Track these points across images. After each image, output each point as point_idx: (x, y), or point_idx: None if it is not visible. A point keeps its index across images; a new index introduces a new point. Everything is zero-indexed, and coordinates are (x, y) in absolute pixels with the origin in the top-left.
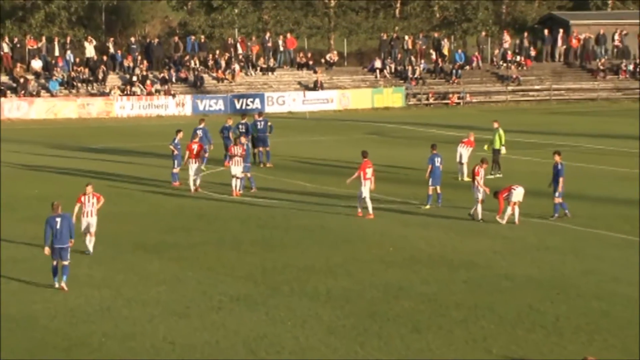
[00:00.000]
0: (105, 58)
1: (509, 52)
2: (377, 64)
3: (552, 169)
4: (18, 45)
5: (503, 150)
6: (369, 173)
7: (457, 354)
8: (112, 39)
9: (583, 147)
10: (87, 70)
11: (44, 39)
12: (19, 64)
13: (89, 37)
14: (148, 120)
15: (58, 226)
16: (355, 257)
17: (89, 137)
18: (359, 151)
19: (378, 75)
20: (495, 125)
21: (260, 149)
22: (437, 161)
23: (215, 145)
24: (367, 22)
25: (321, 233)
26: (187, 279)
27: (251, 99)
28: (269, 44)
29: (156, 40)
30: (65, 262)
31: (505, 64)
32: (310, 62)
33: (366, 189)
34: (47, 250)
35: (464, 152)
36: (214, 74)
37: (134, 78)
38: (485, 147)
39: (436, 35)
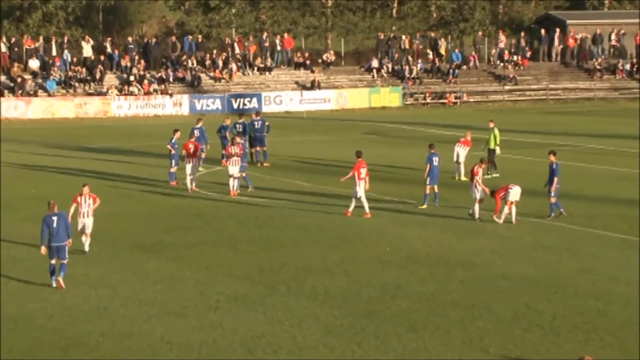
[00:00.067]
0: (102, 58)
1: (506, 52)
2: (374, 63)
3: (548, 169)
4: (16, 49)
5: (497, 151)
6: (363, 173)
7: (454, 354)
8: (109, 38)
9: (580, 147)
10: (84, 69)
11: (41, 38)
12: (16, 64)
13: (87, 37)
14: (145, 119)
15: (55, 225)
16: (352, 257)
17: (86, 136)
18: (356, 151)
19: (375, 75)
20: (491, 125)
21: (258, 148)
22: (435, 160)
23: (212, 144)
24: (364, 22)
25: (319, 232)
26: (185, 278)
27: (248, 99)
28: (267, 44)
29: (153, 40)
30: (64, 261)
31: (502, 64)
32: (308, 62)
33: (361, 189)
34: (43, 249)
35: (461, 151)
36: (212, 74)
37: (132, 78)
38: (482, 147)
39: (433, 35)
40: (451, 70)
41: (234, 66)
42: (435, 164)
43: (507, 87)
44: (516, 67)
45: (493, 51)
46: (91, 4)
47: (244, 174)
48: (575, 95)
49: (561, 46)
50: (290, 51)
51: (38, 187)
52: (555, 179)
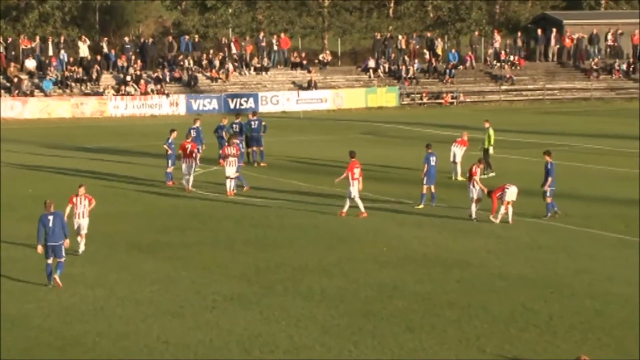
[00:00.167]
0: (99, 58)
1: (503, 52)
2: (371, 63)
3: (544, 169)
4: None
5: (491, 150)
6: (356, 173)
7: (451, 353)
8: (106, 38)
9: (577, 147)
10: (81, 69)
11: (37, 38)
12: (12, 64)
13: (83, 37)
14: (142, 119)
15: (50, 224)
16: (349, 257)
17: (83, 136)
18: (349, 151)
19: (372, 75)
20: (486, 125)
21: (254, 148)
22: (433, 160)
23: (209, 144)
24: (361, 22)
25: (315, 232)
26: (181, 278)
27: (245, 99)
28: (263, 44)
29: (150, 39)
30: (61, 259)
31: (498, 64)
32: (304, 62)
33: (354, 189)
34: (39, 248)
35: (458, 151)
36: (208, 74)
37: (128, 78)
38: (479, 147)
39: (430, 35)
40: (448, 70)
41: (230, 66)
42: (433, 163)
43: (503, 87)
44: (513, 67)
45: (490, 51)
46: (88, 3)
47: (238, 174)
48: (572, 95)
49: (558, 46)
50: (287, 51)
51: (35, 187)
52: (549, 179)
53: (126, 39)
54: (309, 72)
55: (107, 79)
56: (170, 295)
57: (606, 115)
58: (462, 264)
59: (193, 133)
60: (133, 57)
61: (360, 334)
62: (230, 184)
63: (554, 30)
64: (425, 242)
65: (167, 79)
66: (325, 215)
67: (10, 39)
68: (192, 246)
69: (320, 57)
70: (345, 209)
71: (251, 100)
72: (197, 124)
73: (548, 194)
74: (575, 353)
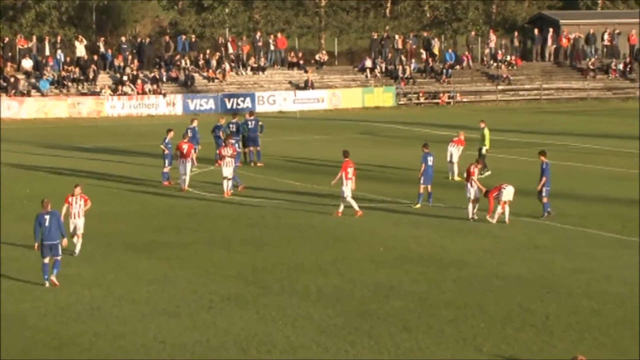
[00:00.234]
0: (95, 57)
1: (500, 52)
2: (368, 63)
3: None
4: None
5: (483, 150)
6: (350, 172)
7: (447, 353)
8: (102, 38)
9: (573, 147)
10: (77, 69)
11: (34, 38)
12: (9, 64)
13: (80, 37)
14: (139, 119)
15: (47, 223)
16: (345, 256)
17: (79, 136)
18: (349, 150)
19: (369, 75)
20: (482, 125)
21: (251, 148)
22: (430, 160)
23: (206, 144)
24: (358, 22)
25: (311, 232)
26: (178, 278)
27: (242, 99)
28: (260, 44)
29: (147, 39)
30: (57, 257)
31: (495, 64)
32: (301, 62)
33: (348, 189)
34: (37, 246)
35: (455, 151)
36: (205, 74)
37: (125, 77)
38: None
39: (426, 34)
40: (444, 70)
41: (227, 66)
42: (430, 163)
43: (500, 87)
44: (509, 67)
45: (486, 51)
46: (84, 3)
47: (233, 174)
48: (569, 95)
49: (554, 46)
50: (283, 51)
51: (31, 186)
52: (543, 179)
53: (123, 38)
54: (306, 72)
55: (103, 78)
56: (166, 295)
57: (603, 115)
58: (458, 264)
59: (190, 133)
60: (130, 57)
61: (357, 333)
62: (227, 185)
63: (551, 30)
64: (421, 241)
65: (164, 79)
66: (321, 215)
67: (7, 39)
68: (188, 246)
69: (317, 57)
70: (340, 209)
71: (248, 100)
72: (194, 123)
73: (544, 193)
74: (571, 353)
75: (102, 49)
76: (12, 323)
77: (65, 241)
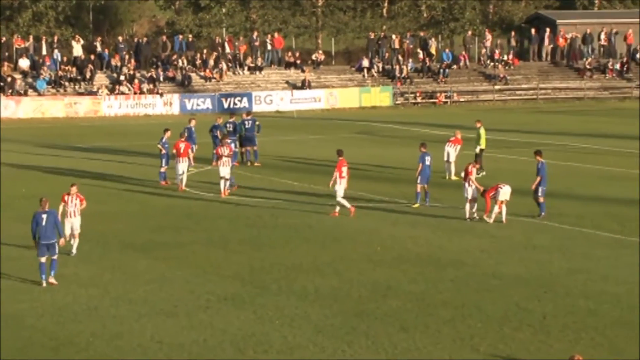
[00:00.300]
0: (92, 57)
1: (497, 52)
2: (365, 63)
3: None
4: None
5: (477, 149)
6: (344, 172)
7: (445, 353)
8: (99, 38)
9: (570, 147)
10: (74, 69)
11: (31, 38)
12: (6, 63)
13: (77, 36)
14: (136, 119)
15: (44, 222)
16: (343, 256)
17: (76, 136)
18: (346, 150)
19: (366, 75)
20: (478, 125)
21: (248, 148)
22: (427, 160)
23: (203, 144)
24: (355, 22)
25: (309, 232)
26: (175, 278)
27: (239, 98)
28: (257, 43)
29: (144, 39)
30: (54, 257)
31: (492, 63)
32: (298, 61)
33: (341, 187)
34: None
35: (452, 151)
36: (202, 73)
37: (122, 77)
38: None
39: (423, 34)
40: (441, 70)
41: (224, 66)
42: (427, 163)
43: (497, 87)
44: (506, 67)
45: (483, 51)
46: (81, 3)
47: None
48: (566, 94)
49: (551, 46)
50: (280, 51)
51: (28, 186)
52: (538, 179)
53: (120, 38)
54: (303, 71)
55: (100, 78)
56: (164, 295)
57: (600, 114)
58: (456, 264)
59: (186, 133)
60: (127, 57)
61: (354, 333)
62: (224, 184)
63: (548, 29)
64: (419, 241)
65: (161, 79)
66: (319, 215)
67: (4, 39)
68: (186, 246)
69: (314, 56)
70: (337, 209)
71: (245, 99)
72: (192, 123)
73: (540, 193)
74: (568, 352)
75: (99, 49)
76: (10, 323)
77: (62, 240)
